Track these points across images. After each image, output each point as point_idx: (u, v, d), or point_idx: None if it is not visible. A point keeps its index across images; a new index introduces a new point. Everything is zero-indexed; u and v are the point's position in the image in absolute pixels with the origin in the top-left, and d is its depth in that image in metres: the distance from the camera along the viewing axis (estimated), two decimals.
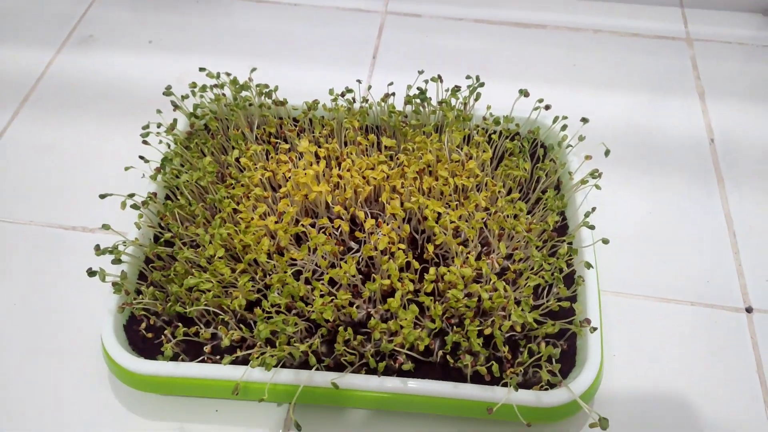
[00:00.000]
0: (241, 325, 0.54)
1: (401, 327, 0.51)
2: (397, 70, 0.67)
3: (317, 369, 0.51)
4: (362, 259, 0.59)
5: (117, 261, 0.56)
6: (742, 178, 0.74)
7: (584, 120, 0.64)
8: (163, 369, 0.53)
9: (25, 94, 0.83)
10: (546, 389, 0.49)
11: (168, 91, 0.65)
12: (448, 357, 0.52)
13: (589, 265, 0.55)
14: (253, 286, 0.55)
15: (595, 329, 0.52)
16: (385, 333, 0.52)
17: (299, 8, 0.94)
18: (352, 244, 0.62)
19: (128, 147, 0.66)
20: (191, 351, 0.55)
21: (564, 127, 0.65)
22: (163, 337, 0.55)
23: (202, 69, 0.68)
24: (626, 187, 0.71)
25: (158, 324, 0.56)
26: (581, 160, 0.63)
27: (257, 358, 0.50)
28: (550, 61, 0.67)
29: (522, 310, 0.50)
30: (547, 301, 0.54)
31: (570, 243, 0.57)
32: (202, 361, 0.54)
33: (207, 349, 0.54)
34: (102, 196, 0.58)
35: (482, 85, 0.66)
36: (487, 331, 0.52)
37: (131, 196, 0.59)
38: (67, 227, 0.69)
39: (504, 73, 0.65)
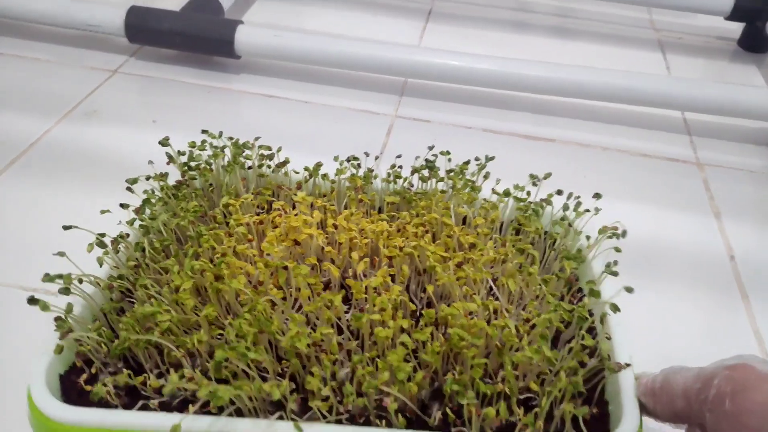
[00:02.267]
0: (197, 371, 0.44)
1: (391, 367, 0.41)
2: (404, 170, 0.66)
3: (282, 417, 0.40)
4: (352, 307, 0.50)
5: (65, 291, 0.48)
6: None
7: (597, 196, 0.60)
8: (89, 417, 0.42)
9: (13, 158, 0.81)
10: None
11: (165, 142, 0.63)
12: (448, 412, 0.41)
13: (615, 308, 0.46)
14: (216, 320, 0.46)
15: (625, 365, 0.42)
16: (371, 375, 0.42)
17: (311, 106, 0.96)
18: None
19: (111, 214, 0.62)
20: (135, 401, 0.45)
21: (578, 205, 0.60)
22: (99, 383, 0.44)
23: (204, 131, 0.66)
24: (644, 301, 0.64)
25: (102, 373, 0.46)
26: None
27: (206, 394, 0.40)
28: (559, 172, 0.65)
29: (538, 346, 0.41)
30: (570, 346, 0.44)
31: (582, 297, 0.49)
32: (144, 408, 0.43)
33: (150, 392, 0.43)
34: (66, 228, 0.53)
35: (492, 159, 0.64)
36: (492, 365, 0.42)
37: (101, 235, 0.53)
38: (27, 289, 0.62)
39: (512, 178, 0.64)
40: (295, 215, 0.56)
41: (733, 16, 1.19)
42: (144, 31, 1.00)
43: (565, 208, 0.57)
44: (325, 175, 0.64)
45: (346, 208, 0.62)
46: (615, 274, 0.48)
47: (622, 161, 0.89)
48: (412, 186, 0.64)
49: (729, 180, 0.87)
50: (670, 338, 0.64)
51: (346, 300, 0.52)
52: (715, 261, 0.74)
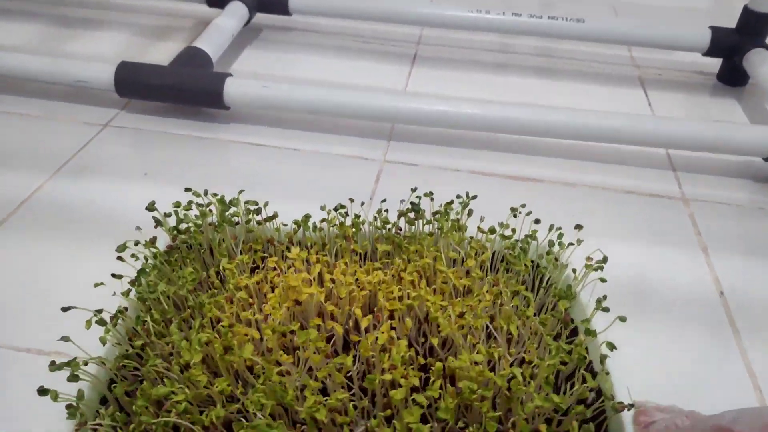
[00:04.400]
0: None
1: (409, 430, 0.43)
2: (391, 212, 0.68)
3: None
4: (358, 361, 0.52)
5: (74, 378, 0.48)
6: (761, 331, 0.71)
7: (579, 227, 0.63)
8: None
9: (3, 217, 0.80)
10: None
11: (151, 206, 0.63)
12: None
13: (611, 346, 0.49)
14: (231, 397, 0.47)
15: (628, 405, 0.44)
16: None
17: (300, 153, 0.97)
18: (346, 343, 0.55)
19: (103, 269, 0.62)
20: None
21: (560, 236, 0.63)
22: None
23: (188, 189, 0.67)
24: (635, 338, 0.66)
25: None
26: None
27: None
28: (546, 211, 0.68)
29: (546, 394, 0.43)
30: (571, 389, 0.47)
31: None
32: None
33: None
34: (64, 309, 0.52)
35: (474, 198, 0.66)
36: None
37: (99, 312, 0.53)
38: (19, 349, 0.61)
39: (499, 216, 0.66)
40: (292, 272, 0.57)
41: (710, 52, 1.21)
42: (134, 86, 1.00)
43: (551, 244, 0.60)
44: (314, 227, 0.65)
45: (337, 256, 0.63)
46: (606, 310, 0.51)
47: (608, 199, 0.90)
48: (401, 230, 0.66)
49: (715, 215, 0.88)
50: (664, 374, 0.64)
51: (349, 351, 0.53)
52: (705, 297, 0.75)
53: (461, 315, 0.51)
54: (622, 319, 0.50)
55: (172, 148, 0.95)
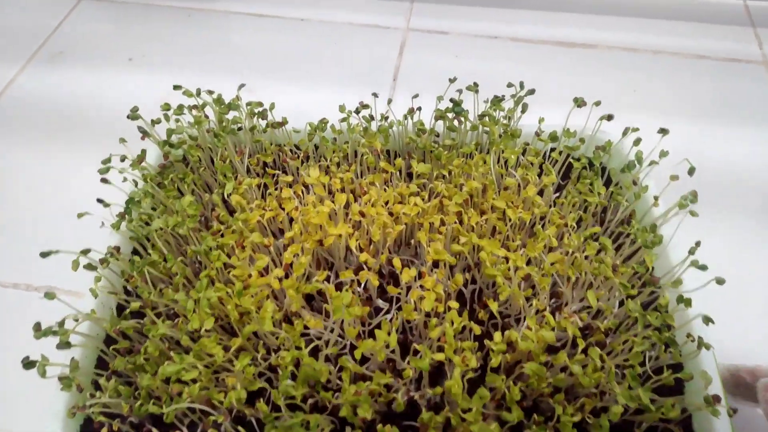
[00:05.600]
0: (239, 428, 0.39)
1: (463, 420, 0.36)
2: (421, 91, 0.54)
3: None
4: (398, 323, 0.44)
5: (65, 345, 0.41)
6: None
7: (663, 131, 0.51)
8: None
9: None
10: None
11: (134, 114, 0.50)
12: None
13: (708, 320, 0.41)
14: (254, 371, 0.39)
15: (733, 412, 0.38)
16: (440, 430, 0.37)
17: (307, 24, 0.80)
18: (381, 302, 0.47)
19: (91, 185, 0.52)
20: None
21: (637, 142, 0.51)
22: None
23: (177, 87, 0.54)
24: (720, 226, 0.57)
25: (125, 430, 0.41)
26: (660, 184, 0.50)
27: None
28: (604, 87, 0.55)
29: (630, 387, 0.36)
30: (654, 373, 0.40)
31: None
32: None
33: None
34: (44, 255, 0.43)
35: (532, 92, 0.53)
36: (577, 417, 0.37)
37: (85, 252, 0.44)
38: (6, 284, 0.54)
39: (551, 99, 0.53)
40: (312, 204, 0.47)
41: None
42: None
43: (630, 167, 0.49)
44: (333, 129, 0.53)
45: (362, 170, 0.53)
46: (704, 268, 0.41)
47: (675, 67, 0.74)
48: (438, 137, 0.54)
49: None
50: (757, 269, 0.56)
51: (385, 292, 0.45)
52: None
53: (527, 277, 0.42)
54: (720, 281, 0.41)
55: (159, 24, 0.79)
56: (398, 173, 0.52)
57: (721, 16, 0.81)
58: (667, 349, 0.40)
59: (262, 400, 0.39)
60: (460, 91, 0.54)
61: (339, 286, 0.46)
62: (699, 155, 0.63)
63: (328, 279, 0.47)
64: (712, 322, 0.40)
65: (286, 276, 0.43)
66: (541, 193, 0.50)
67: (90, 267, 0.44)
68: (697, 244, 0.44)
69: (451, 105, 0.53)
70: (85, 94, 0.71)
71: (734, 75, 0.74)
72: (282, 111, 0.55)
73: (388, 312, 0.47)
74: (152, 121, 0.52)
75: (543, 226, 0.48)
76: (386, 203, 0.48)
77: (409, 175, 0.54)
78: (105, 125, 0.63)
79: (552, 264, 0.43)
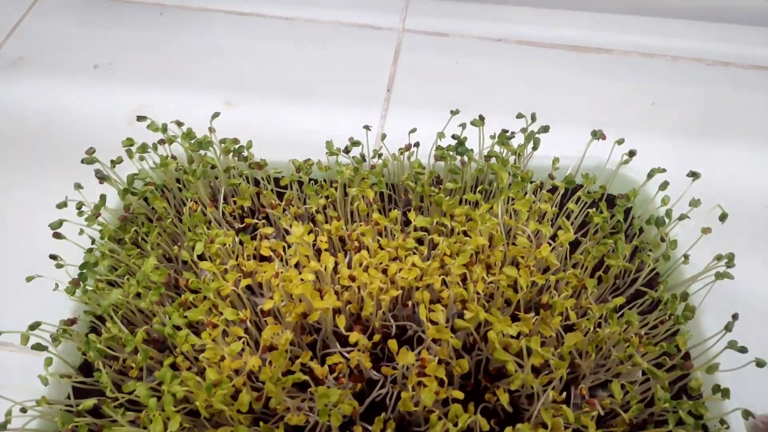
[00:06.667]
0: None
1: None
2: (419, 107, 0.48)
3: None
4: (394, 409, 0.39)
5: None
6: None
7: (694, 175, 0.45)
8: None
9: None
10: None
11: (90, 158, 0.44)
12: None
13: (747, 414, 0.35)
14: None
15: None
16: None
17: (293, 24, 0.72)
18: (374, 374, 0.42)
19: (44, 229, 0.45)
20: None
21: (664, 186, 0.45)
22: None
23: (141, 118, 0.47)
24: (762, 270, 0.51)
25: None
26: (688, 234, 0.44)
27: None
28: (620, 98, 0.48)
29: None
30: None
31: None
32: None
33: None
34: None
35: (546, 130, 0.47)
36: None
37: (33, 327, 0.38)
38: None
39: (560, 112, 0.46)
40: (295, 271, 0.41)
41: None
42: None
43: (659, 223, 0.43)
44: (319, 166, 0.47)
45: (352, 218, 0.46)
46: (743, 350, 0.36)
47: (697, 74, 0.66)
48: (439, 179, 0.48)
49: None
50: None
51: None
52: None
53: (538, 351, 0.37)
54: (760, 363, 0.35)
55: (127, 23, 0.71)
56: (395, 223, 0.46)
57: (743, 15, 0.73)
58: None
59: None
60: (463, 126, 0.48)
61: (325, 359, 0.40)
62: (727, 185, 0.57)
63: (314, 353, 0.41)
64: (753, 417, 0.35)
65: (263, 361, 0.38)
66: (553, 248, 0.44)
67: (39, 347, 0.39)
68: (734, 317, 0.38)
69: (451, 139, 0.47)
70: (43, 110, 0.64)
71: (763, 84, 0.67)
72: (264, 131, 0.48)
73: (383, 387, 0.41)
74: (112, 162, 0.46)
75: (557, 289, 0.43)
76: (380, 263, 0.42)
77: (406, 222, 0.48)
78: (69, 148, 0.56)
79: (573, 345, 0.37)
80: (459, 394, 0.36)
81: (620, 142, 0.47)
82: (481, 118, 0.48)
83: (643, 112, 0.56)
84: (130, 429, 0.35)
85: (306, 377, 0.36)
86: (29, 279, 0.41)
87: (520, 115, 0.49)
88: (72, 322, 0.40)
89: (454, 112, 0.48)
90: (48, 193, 0.46)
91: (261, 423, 0.35)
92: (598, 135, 0.48)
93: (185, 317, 0.39)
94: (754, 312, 0.47)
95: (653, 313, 0.41)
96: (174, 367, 0.38)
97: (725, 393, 0.35)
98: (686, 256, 0.42)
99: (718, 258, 0.41)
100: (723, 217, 0.43)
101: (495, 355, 0.37)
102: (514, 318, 0.40)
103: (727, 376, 0.38)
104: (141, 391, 0.35)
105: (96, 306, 0.40)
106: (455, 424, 0.34)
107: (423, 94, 0.50)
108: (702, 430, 0.36)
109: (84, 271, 0.41)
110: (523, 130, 0.48)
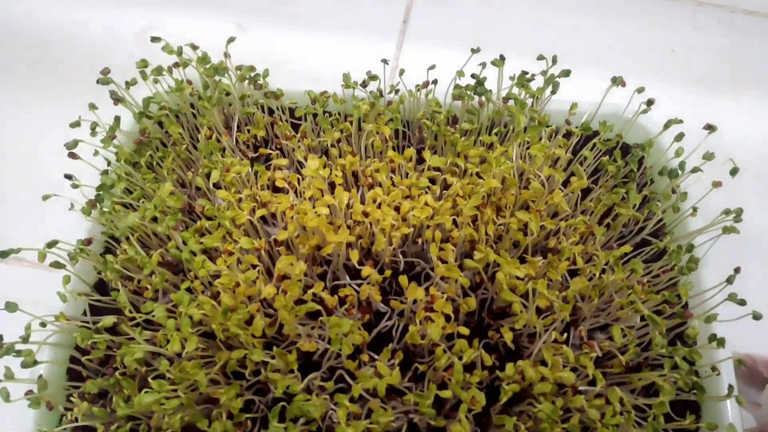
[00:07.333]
0: None
1: None
2: (435, 41, 0.46)
3: None
4: (400, 341, 0.40)
5: (30, 363, 0.37)
6: None
7: (710, 128, 0.45)
8: None
9: None
10: None
11: (105, 79, 0.43)
12: None
13: (740, 363, 0.37)
14: (241, 403, 0.36)
15: None
16: None
17: None
18: (382, 306, 0.43)
19: (59, 148, 0.45)
20: None
21: (679, 137, 0.45)
22: None
23: (155, 39, 0.46)
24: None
25: None
26: (699, 186, 0.44)
27: None
28: (638, 44, 0.47)
29: None
30: (674, 412, 0.37)
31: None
32: None
33: None
34: (3, 255, 0.38)
35: (567, 74, 0.46)
36: None
37: (51, 246, 0.39)
38: None
39: (579, 56, 0.45)
40: (308, 201, 0.41)
41: None
42: None
43: (672, 175, 0.43)
44: (335, 97, 0.47)
45: (366, 152, 0.46)
46: (742, 303, 0.37)
47: (721, 22, 0.63)
48: (455, 118, 0.48)
49: None
50: None
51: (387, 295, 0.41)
52: None
53: (546, 310, 0.38)
54: (757, 316, 0.37)
55: None
56: (409, 160, 0.46)
57: None
58: (691, 391, 0.37)
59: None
60: (483, 65, 0.47)
61: (335, 289, 0.41)
62: (743, 139, 0.57)
63: (325, 284, 0.42)
64: (744, 366, 0.37)
65: (277, 288, 0.39)
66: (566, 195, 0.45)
67: (57, 265, 0.39)
68: (737, 270, 0.39)
69: (474, 83, 0.46)
70: (46, 28, 0.62)
71: None
72: (277, 61, 0.47)
73: (389, 319, 0.42)
74: (127, 83, 0.45)
75: (566, 234, 0.43)
76: (393, 201, 0.42)
77: (419, 160, 0.48)
78: (75, 67, 0.55)
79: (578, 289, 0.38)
80: (465, 330, 0.38)
81: (640, 90, 0.46)
82: (502, 58, 0.47)
83: (661, 59, 0.54)
84: (148, 347, 0.36)
85: (319, 307, 0.37)
86: (46, 197, 0.41)
87: (540, 57, 0.48)
88: (89, 242, 0.41)
89: (474, 50, 0.48)
90: (60, 112, 0.45)
91: (274, 347, 0.37)
92: (618, 81, 0.47)
93: (201, 243, 0.39)
94: (757, 267, 0.48)
95: (657, 262, 0.42)
96: (188, 290, 0.39)
97: (720, 342, 0.36)
98: (695, 209, 0.43)
99: (726, 212, 0.41)
100: (734, 172, 0.43)
101: (502, 295, 0.38)
102: (522, 260, 0.41)
103: (722, 327, 0.39)
104: (159, 312, 0.36)
105: (113, 228, 0.41)
106: (460, 358, 0.36)
107: (440, 29, 0.49)
108: (694, 375, 0.38)
109: (101, 192, 0.41)
110: (543, 73, 0.47)
